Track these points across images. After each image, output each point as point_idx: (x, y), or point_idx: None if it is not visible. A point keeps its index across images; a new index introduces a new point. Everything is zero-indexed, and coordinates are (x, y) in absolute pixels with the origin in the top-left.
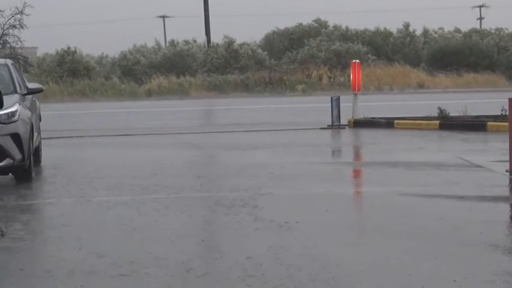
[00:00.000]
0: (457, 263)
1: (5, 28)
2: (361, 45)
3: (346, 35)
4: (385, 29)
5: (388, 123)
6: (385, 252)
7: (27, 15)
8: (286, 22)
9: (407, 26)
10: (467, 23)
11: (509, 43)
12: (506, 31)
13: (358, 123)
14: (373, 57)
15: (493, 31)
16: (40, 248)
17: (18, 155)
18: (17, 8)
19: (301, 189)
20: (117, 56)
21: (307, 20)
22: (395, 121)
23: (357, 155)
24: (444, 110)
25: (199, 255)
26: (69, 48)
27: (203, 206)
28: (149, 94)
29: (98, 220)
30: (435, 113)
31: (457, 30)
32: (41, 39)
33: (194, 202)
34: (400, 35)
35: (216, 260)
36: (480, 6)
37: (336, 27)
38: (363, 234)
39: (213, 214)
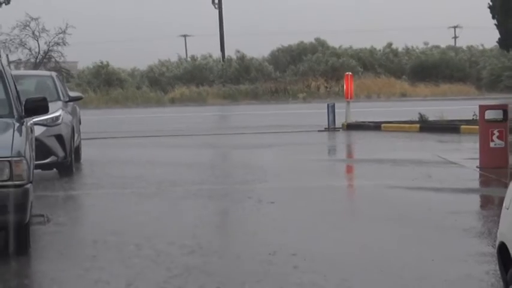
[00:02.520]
0: (435, 245)
1: (50, 45)
2: (352, 60)
3: (340, 51)
4: (371, 46)
5: (376, 126)
6: (373, 235)
7: (69, 34)
8: (289, 40)
9: (390, 44)
10: (443, 41)
11: (479, 58)
12: (477, 48)
13: (351, 126)
14: (363, 70)
15: (465, 48)
16: (78, 231)
17: (61, 153)
18: (60, 28)
19: (301, 182)
20: (145, 69)
21: (307, 38)
22: (382, 124)
23: (350, 153)
24: (424, 115)
25: (215, 238)
26: (102, 62)
27: (218, 197)
28: (173, 101)
29: (128, 208)
30: (416, 118)
31: (435, 47)
32: (81, 54)
33: (211, 193)
34: (385, 51)
35: (229, 241)
36: (455, 27)
37: (330, 45)
38: (354, 220)
39: (227, 203)
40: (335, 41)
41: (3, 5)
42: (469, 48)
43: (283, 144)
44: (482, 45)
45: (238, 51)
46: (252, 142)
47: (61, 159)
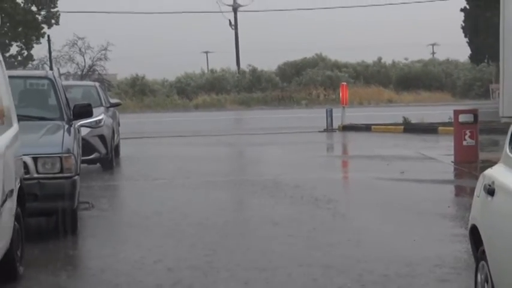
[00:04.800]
0: (416, 227)
1: (94, 60)
2: (347, 72)
3: (336, 65)
4: (363, 61)
5: (367, 128)
6: (364, 219)
7: (109, 50)
8: (294, 56)
9: (380, 59)
10: (424, 55)
11: (454, 71)
12: (452, 62)
13: (346, 128)
14: (356, 80)
15: (442, 62)
16: (118, 215)
17: (103, 150)
18: (102, 45)
19: (303, 174)
20: (173, 80)
21: (309, 54)
22: (372, 126)
23: (344, 150)
24: (407, 118)
25: (233, 220)
26: (137, 75)
27: (235, 186)
28: (197, 107)
29: (160, 196)
30: (401, 121)
31: (417, 61)
32: (120, 67)
33: (229, 183)
34: (374, 64)
35: (245, 222)
36: (433, 44)
37: (329, 59)
38: (348, 206)
39: (243, 192)
40: (333, 55)
41: (54, 25)
42: (445, 62)
43: (288, 143)
44: (455, 60)
45: (249, 65)
46: (262, 140)
47: (103, 155)
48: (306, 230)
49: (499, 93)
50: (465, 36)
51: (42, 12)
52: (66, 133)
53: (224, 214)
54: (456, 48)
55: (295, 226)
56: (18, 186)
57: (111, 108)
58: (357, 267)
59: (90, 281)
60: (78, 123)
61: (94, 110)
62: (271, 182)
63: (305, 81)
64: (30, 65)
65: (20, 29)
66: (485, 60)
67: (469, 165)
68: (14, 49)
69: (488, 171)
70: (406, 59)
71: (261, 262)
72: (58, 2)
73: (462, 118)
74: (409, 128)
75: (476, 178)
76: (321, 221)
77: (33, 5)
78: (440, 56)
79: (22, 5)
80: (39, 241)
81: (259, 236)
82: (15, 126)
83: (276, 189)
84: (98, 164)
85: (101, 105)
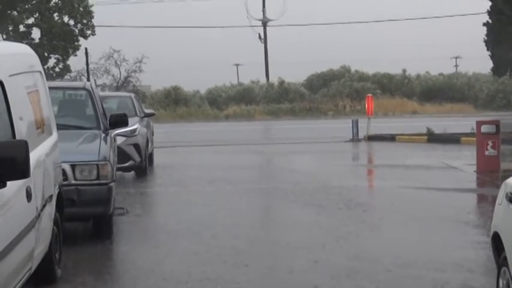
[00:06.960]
0: (439, 234)
1: (129, 72)
2: (372, 84)
3: (362, 77)
4: (387, 73)
5: (391, 138)
6: (389, 226)
7: (144, 63)
8: (321, 68)
9: (404, 71)
10: (447, 69)
11: (476, 83)
12: (474, 75)
13: (371, 138)
14: (381, 92)
15: (464, 74)
16: (152, 221)
17: (137, 158)
18: (137, 58)
19: (330, 182)
20: (205, 91)
21: (335, 66)
22: (397, 136)
23: (370, 159)
24: (431, 129)
25: (259, 225)
26: (172, 86)
27: (262, 193)
28: (227, 117)
29: (191, 202)
30: (424, 131)
31: (440, 74)
32: (154, 79)
33: (257, 190)
34: (399, 77)
35: (270, 229)
36: (456, 57)
37: (356, 71)
38: (374, 214)
39: (269, 198)
40: (358, 68)
41: (91, 36)
42: (467, 75)
43: (316, 152)
44: (473, 72)
45: (279, 78)
46: (291, 149)
47: (137, 163)
48: (335, 234)
49: None
50: (487, 50)
51: (79, 25)
52: (102, 142)
53: (254, 220)
54: (479, 61)
55: (322, 231)
56: (57, 192)
57: (146, 118)
58: (382, 270)
59: (124, 283)
60: (114, 133)
61: (129, 119)
62: (299, 189)
63: (332, 93)
64: (67, 77)
65: (57, 42)
66: (507, 73)
67: (491, 175)
68: (51, 61)
69: (510, 180)
70: (427, 72)
71: (285, 262)
72: (94, 15)
73: (484, 129)
74: (433, 138)
75: (498, 187)
76: (347, 226)
77: (70, 18)
78: (463, 68)
79: (58, 17)
80: (76, 245)
81: (287, 240)
82: (54, 135)
83: (304, 195)
84: (133, 172)
85: (136, 115)
